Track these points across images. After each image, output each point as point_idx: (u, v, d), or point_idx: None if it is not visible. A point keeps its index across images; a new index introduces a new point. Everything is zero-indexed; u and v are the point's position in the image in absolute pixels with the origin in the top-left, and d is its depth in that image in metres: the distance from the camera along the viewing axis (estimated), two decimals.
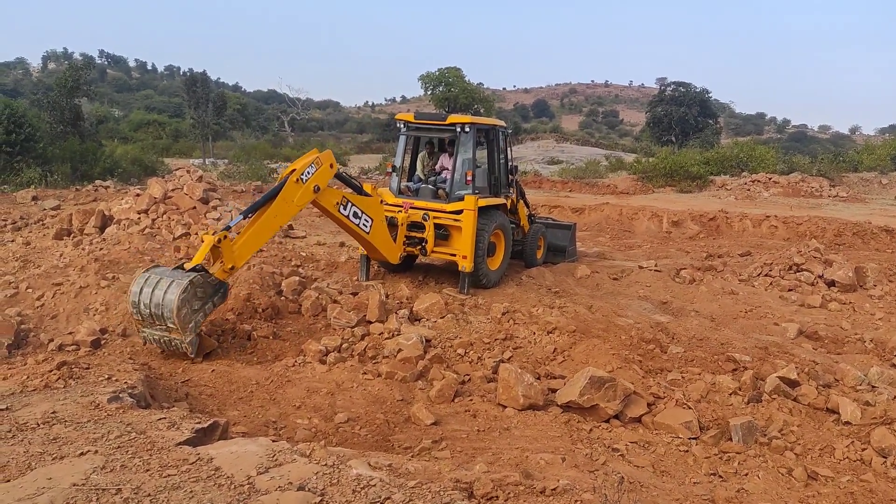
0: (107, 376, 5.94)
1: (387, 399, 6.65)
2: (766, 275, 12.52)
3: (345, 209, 9.10)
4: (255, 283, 9.14)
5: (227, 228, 7.63)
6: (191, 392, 6.50)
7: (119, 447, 4.26)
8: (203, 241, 7.48)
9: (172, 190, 13.89)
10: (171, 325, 7.06)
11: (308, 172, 8.33)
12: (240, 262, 7.74)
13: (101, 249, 11.38)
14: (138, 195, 13.84)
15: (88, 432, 4.50)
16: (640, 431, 6.27)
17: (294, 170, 8.30)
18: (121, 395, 5.36)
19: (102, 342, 7.81)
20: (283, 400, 6.51)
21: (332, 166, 8.73)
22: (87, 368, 6.14)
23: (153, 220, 13.16)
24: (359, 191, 9.56)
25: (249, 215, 7.97)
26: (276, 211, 8.04)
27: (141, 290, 7.12)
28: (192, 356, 7.23)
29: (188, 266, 7.34)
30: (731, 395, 6.83)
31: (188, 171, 14.71)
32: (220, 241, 7.40)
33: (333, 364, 7.42)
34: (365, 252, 10.80)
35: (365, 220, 9.42)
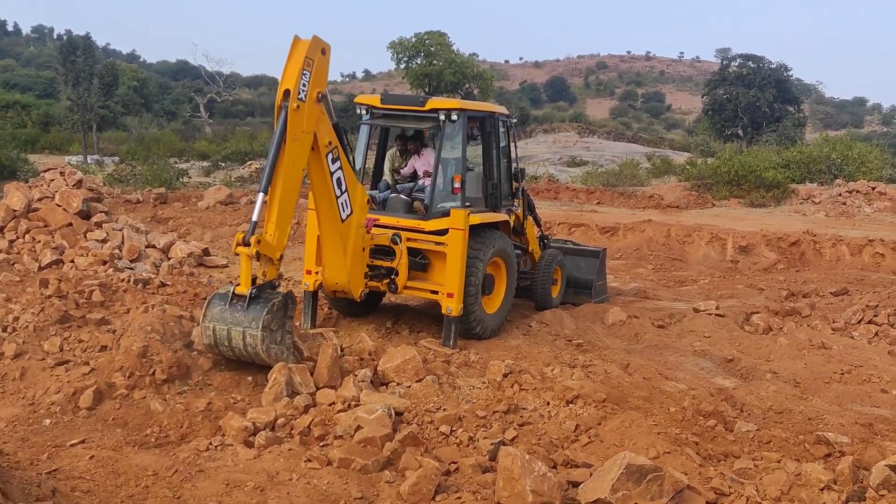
0: None
1: (340, 497, 6.58)
2: (869, 321, 12.62)
3: (333, 163, 9.50)
4: (155, 330, 9.07)
5: (255, 226, 8.41)
6: (60, 487, 6.40)
7: None
8: (238, 255, 8.50)
9: (39, 199, 13.84)
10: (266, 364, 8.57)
11: (304, 85, 8.76)
12: (283, 246, 8.87)
13: None
14: None
15: None
16: None
17: (287, 90, 8.67)
18: None
19: None
20: (191, 499, 6.41)
21: (324, 53, 9.16)
22: None
23: (11, 242, 13.09)
24: (349, 163, 9.91)
25: (265, 191, 8.60)
26: (292, 157, 8.70)
27: (215, 343, 8.64)
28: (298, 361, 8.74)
29: (239, 290, 8.51)
30: (822, 490, 6.82)
31: (62, 173, 14.67)
32: (257, 252, 8.40)
33: (264, 447, 7.34)
34: (311, 284, 10.79)
35: (346, 201, 9.75)
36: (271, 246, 8.62)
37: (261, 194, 8.53)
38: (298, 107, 8.66)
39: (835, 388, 10.15)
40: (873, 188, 29.91)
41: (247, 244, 8.35)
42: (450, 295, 10.32)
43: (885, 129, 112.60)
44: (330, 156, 9.44)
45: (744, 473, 7.17)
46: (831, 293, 15.41)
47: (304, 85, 8.75)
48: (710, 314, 13.12)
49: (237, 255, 8.55)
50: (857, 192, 29.59)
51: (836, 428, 8.35)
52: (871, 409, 9.35)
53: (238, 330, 8.40)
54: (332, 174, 9.50)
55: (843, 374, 10.61)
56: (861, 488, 6.86)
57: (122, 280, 11.57)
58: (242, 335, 8.39)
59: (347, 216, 9.81)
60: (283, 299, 8.62)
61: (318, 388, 8.49)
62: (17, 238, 13.14)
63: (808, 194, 30.82)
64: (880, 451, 7.61)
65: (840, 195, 29.45)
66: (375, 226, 10.52)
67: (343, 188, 9.69)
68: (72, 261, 12.73)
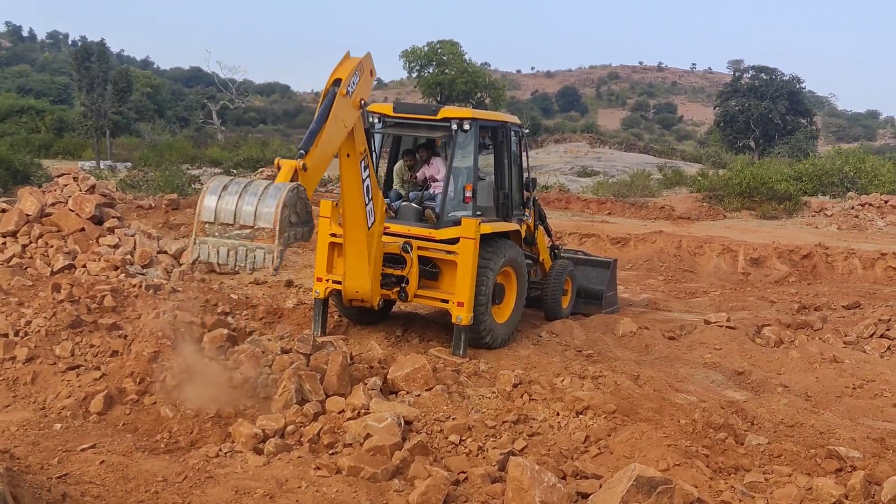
0: None
1: None
2: (881, 335, 12.56)
3: (364, 170, 9.59)
4: (166, 336, 9.10)
5: (301, 156, 8.11)
6: (70, 492, 6.41)
7: None
8: (280, 168, 7.97)
9: (52, 204, 13.91)
10: (264, 226, 7.40)
11: (353, 83, 8.99)
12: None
13: None
14: (4, 211, 13.82)
15: None
16: None
17: (338, 80, 8.83)
18: None
19: None
20: None
21: (372, 73, 9.53)
22: None
23: (24, 246, 13.14)
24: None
25: (306, 150, 8.35)
26: (329, 136, 8.65)
27: (220, 196, 7.53)
28: (274, 273, 7.75)
29: None
30: None
31: (75, 178, 14.75)
32: (303, 167, 7.96)
33: (274, 454, 7.36)
34: (322, 292, 10.80)
35: (372, 209, 9.83)
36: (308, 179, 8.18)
37: (302, 151, 8.29)
38: (346, 93, 8.80)
39: (846, 402, 10.10)
40: (886, 201, 29.77)
41: (295, 159, 8.13)
42: (460, 304, 10.31)
43: None
44: (363, 163, 9.55)
45: (754, 487, 7.15)
46: (843, 306, 15.35)
47: (353, 83, 8.93)
48: (721, 326, 13.09)
49: (278, 168, 8.06)
50: (870, 205, 29.48)
51: (848, 442, 8.31)
52: (883, 424, 9.30)
53: (260, 185, 7.57)
54: (363, 181, 9.58)
55: (854, 388, 10.57)
56: (873, 503, 6.83)
57: (134, 285, 11.62)
58: (264, 188, 7.50)
59: (372, 224, 9.86)
60: (309, 215, 7.89)
61: (327, 396, 8.49)
62: (30, 242, 13.19)
63: (820, 207, 30.70)
64: (892, 466, 7.58)
65: (852, 208, 29.35)
66: (386, 234, 10.55)
67: (370, 196, 9.74)
68: (84, 266, 12.78)
